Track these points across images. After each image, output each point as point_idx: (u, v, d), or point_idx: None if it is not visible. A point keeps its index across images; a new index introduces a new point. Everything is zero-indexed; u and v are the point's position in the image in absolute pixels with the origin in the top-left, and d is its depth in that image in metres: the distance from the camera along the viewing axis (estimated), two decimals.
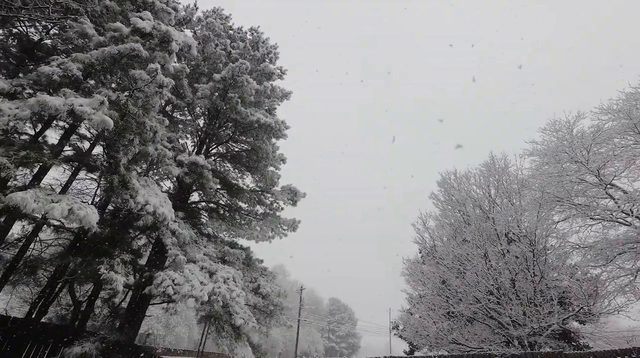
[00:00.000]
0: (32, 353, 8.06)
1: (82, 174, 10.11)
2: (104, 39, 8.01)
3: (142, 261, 10.71)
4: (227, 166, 15.12)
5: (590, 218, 9.77)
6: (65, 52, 9.17)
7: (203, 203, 13.90)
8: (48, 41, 9.35)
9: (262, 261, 13.13)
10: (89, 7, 8.53)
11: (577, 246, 10.04)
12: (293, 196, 13.58)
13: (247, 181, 14.98)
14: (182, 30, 13.06)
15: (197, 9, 13.99)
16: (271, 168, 14.06)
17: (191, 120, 14.39)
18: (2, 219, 7.56)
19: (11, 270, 8.20)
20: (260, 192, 13.76)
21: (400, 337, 18.04)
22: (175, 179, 12.00)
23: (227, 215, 13.88)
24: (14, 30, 8.83)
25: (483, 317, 11.81)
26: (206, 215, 13.75)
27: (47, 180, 8.86)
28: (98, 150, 10.16)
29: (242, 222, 14.04)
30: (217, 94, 12.17)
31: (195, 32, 14.17)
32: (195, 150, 13.69)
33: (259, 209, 13.90)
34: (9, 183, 7.10)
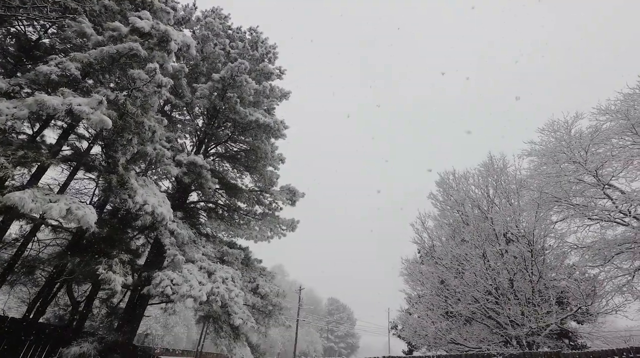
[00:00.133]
0: (30, 354, 8.03)
1: (80, 173, 10.08)
2: (103, 39, 7.99)
3: (141, 261, 10.69)
4: (226, 166, 15.10)
5: (588, 218, 9.81)
6: (63, 51, 9.14)
7: (202, 203, 13.88)
8: (46, 40, 9.32)
9: (260, 261, 13.13)
10: (87, 7, 8.50)
11: (575, 246, 10.07)
12: (292, 196, 13.58)
13: (246, 181, 14.97)
14: (181, 30, 13.03)
15: (196, 8, 13.97)
16: (270, 168, 14.05)
17: (190, 120, 14.37)
18: (0, 219, 7.53)
19: (9, 270, 8.17)
20: (259, 192, 13.75)
21: (399, 336, 18.06)
22: (173, 178, 11.98)
23: (226, 215, 13.87)
24: (12, 29, 8.79)
25: (481, 316, 11.84)
26: (205, 215, 13.73)
27: (45, 179, 8.85)
28: (96, 149, 10.13)
29: (241, 222, 14.03)
30: (216, 93, 12.15)
31: (194, 32, 14.15)
32: (194, 150, 13.67)
33: (258, 209, 13.90)
34: (7, 183, 7.07)
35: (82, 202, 7.10)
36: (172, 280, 8.30)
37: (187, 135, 14.59)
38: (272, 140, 14.05)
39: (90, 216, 6.69)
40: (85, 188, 11.27)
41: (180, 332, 41.28)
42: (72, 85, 7.51)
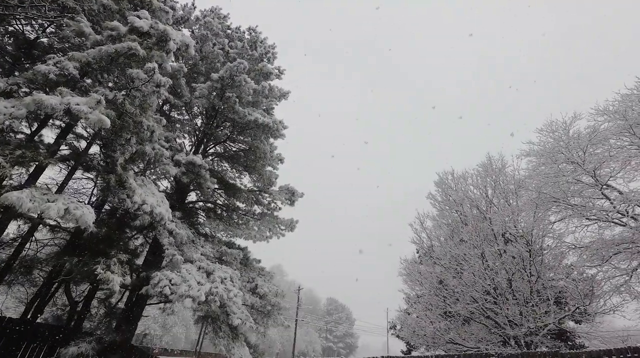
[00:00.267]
0: (28, 354, 8.00)
1: (78, 173, 10.05)
2: (101, 38, 7.97)
3: (139, 261, 10.66)
4: (225, 166, 15.09)
5: (586, 218, 9.84)
6: (61, 50, 9.11)
7: (200, 203, 13.86)
8: (44, 39, 9.28)
9: (259, 261, 13.12)
10: (85, 6, 8.48)
11: (573, 246, 10.10)
12: (291, 196, 13.57)
13: (245, 181, 14.95)
14: (179, 30, 13.02)
15: (195, 8, 13.96)
16: (269, 168, 14.04)
17: (189, 120, 14.35)
18: None
19: (7, 270, 8.14)
20: (258, 192, 13.73)
21: (398, 336, 18.09)
22: (172, 178, 11.95)
23: (225, 215, 13.85)
24: (10, 29, 8.76)
25: (480, 316, 11.86)
26: (203, 214, 13.71)
27: (43, 179, 8.80)
28: (95, 149, 10.10)
29: (240, 221, 14.01)
30: (214, 93, 12.14)
31: (193, 32, 14.13)
32: (193, 150, 13.65)
33: (257, 209, 13.88)
34: (5, 182, 7.04)
35: (81, 202, 7.08)
36: (170, 280, 8.28)
37: (186, 135, 14.57)
38: (271, 140, 14.04)
39: (88, 216, 6.67)
40: (84, 188, 11.25)
41: (179, 332, 41.24)
42: (70, 85, 7.48)
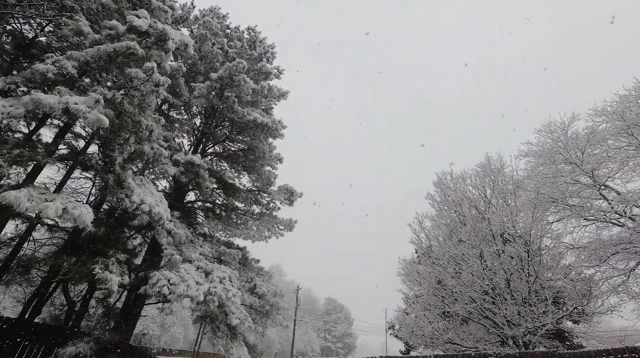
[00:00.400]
0: (26, 354, 7.98)
1: (76, 172, 10.02)
2: (100, 37, 7.95)
3: (138, 261, 10.65)
4: (224, 165, 15.08)
5: (584, 219, 9.86)
6: (60, 49, 9.09)
7: (199, 203, 13.85)
8: (43, 38, 9.25)
9: (258, 261, 13.12)
10: (84, 5, 8.46)
11: (571, 246, 10.13)
12: (290, 196, 13.57)
13: (244, 181, 14.95)
14: (178, 29, 13.00)
15: (194, 7, 13.94)
16: (268, 168, 14.04)
17: (188, 119, 14.33)
18: None
19: (4, 269, 8.11)
20: (256, 192, 13.73)
21: (396, 336, 18.11)
22: (171, 178, 11.93)
23: (224, 214, 13.84)
24: (8, 27, 8.72)
25: (478, 316, 11.88)
26: (202, 214, 13.69)
27: (41, 179, 8.78)
28: (93, 149, 10.07)
29: (239, 221, 14.00)
30: (213, 93, 12.13)
31: (192, 31, 14.11)
32: (192, 150, 13.63)
33: (256, 209, 13.88)
34: (3, 181, 7.02)
35: (79, 202, 7.06)
36: (169, 280, 8.27)
37: (185, 135, 14.55)
38: (270, 139, 14.03)
39: (86, 215, 6.66)
40: (82, 188, 11.22)
41: (177, 332, 41.18)
42: (68, 84, 7.46)
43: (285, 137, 13.72)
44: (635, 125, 8.93)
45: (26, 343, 8.03)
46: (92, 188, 10.84)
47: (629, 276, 9.00)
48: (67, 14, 8.04)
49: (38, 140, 8.40)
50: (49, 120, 8.55)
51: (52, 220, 8.73)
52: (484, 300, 11.53)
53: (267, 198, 13.74)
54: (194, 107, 13.92)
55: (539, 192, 10.69)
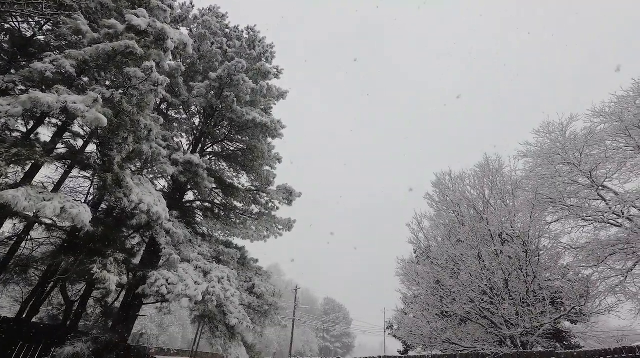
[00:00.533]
0: (23, 353, 7.96)
1: (75, 172, 10.00)
2: (98, 36, 7.93)
3: (136, 260, 10.62)
4: (223, 165, 15.06)
5: (582, 219, 9.89)
6: (58, 48, 9.06)
7: (198, 203, 13.83)
8: (41, 37, 9.22)
9: (257, 260, 13.11)
10: (83, 4, 8.44)
11: (569, 247, 10.16)
12: (289, 196, 13.57)
13: (243, 180, 14.95)
14: (177, 28, 12.98)
15: (193, 6, 13.93)
16: (267, 167, 14.04)
17: (186, 119, 14.31)
18: None
19: (2, 269, 8.08)
20: (255, 192, 13.72)
21: (395, 336, 18.12)
22: (169, 177, 11.92)
23: (222, 214, 13.83)
24: (6, 26, 8.69)
25: (476, 316, 11.91)
26: (201, 214, 13.68)
27: (39, 178, 8.75)
28: (91, 148, 10.04)
29: (237, 221, 13.99)
30: (212, 92, 12.11)
31: (191, 30, 14.09)
32: (191, 149, 13.61)
33: (254, 208, 13.88)
34: (0, 181, 6.99)
35: (77, 201, 7.05)
36: (167, 280, 8.26)
37: (184, 134, 14.53)
38: (269, 139, 14.03)
39: (84, 215, 6.64)
40: (80, 187, 11.19)
41: (176, 331, 41.13)
42: (67, 83, 7.44)
43: (284, 136, 13.72)
44: (633, 126, 8.97)
45: (24, 343, 8.01)
46: (90, 187, 10.81)
47: (626, 276, 9.04)
48: (66, 12, 8.01)
49: (36, 139, 8.38)
50: (47, 119, 8.52)
51: (50, 219, 8.70)
52: (482, 300, 11.56)
53: (265, 198, 13.74)
54: (193, 107, 13.90)
55: (537, 193, 10.72)
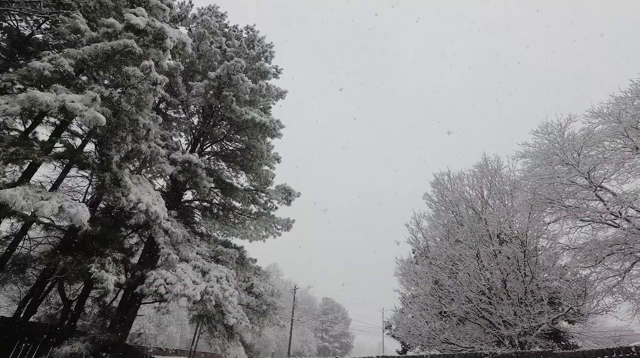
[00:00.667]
0: (21, 353, 7.93)
1: (73, 171, 9.98)
2: (97, 35, 7.91)
3: (134, 260, 10.60)
4: (222, 165, 15.04)
5: (580, 219, 9.92)
6: (56, 47, 9.04)
7: (197, 202, 13.81)
8: (39, 36, 9.19)
9: (255, 260, 13.09)
10: (81, 2, 8.41)
11: (567, 247, 10.19)
12: (287, 195, 13.56)
13: (242, 180, 14.92)
14: (176, 27, 12.95)
15: (192, 5, 13.90)
16: (266, 167, 14.02)
17: (185, 118, 14.28)
18: None
19: None
20: (254, 191, 13.71)
21: (393, 336, 18.13)
22: (168, 177, 11.90)
23: (221, 214, 13.81)
24: (4, 24, 8.66)
25: (475, 316, 11.93)
26: (200, 214, 13.66)
27: (37, 177, 8.73)
28: (90, 147, 10.03)
29: (236, 221, 13.98)
30: (211, 92, 12.09)
31: (190, 30, 14.06)
32: (189, 149, 13.59)
33: (253, 208, 13.86)
34: None
35: (75, 200, 7.04)
36: (165, 279, 8.25)
37: (182, 134, 14.50)
38: (268, 139, 14.02)
39: (82, 214, 6.62)
40: (78, 186, 11.17)
41: (174, 331, 41.05)
42: (65, 82, 7.42)
43: (283, 136, 13.71)
44: (631, 127, 9.00)
45: (21, 342, 7.98)
46: (88, 186, 10.79)
47: (623, 277, 9.07)
48: (64, 11, 7.99)
49: (34, 138, 8.35)
50: (45, 118, 8.50)
51: (48, 218, 8.68)
52: (480, 300, 11.58)
53: (264, 198, 13.73)
54: (192, 106, 13.88)
55: (535, 193, 10.74)
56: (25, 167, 7.59)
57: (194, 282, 8.57)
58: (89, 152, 9.44)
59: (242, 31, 15.19)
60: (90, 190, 10.73)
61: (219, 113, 12.93)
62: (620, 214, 8.99)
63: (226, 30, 14.82)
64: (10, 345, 7.83)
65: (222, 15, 15.01)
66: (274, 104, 15.58)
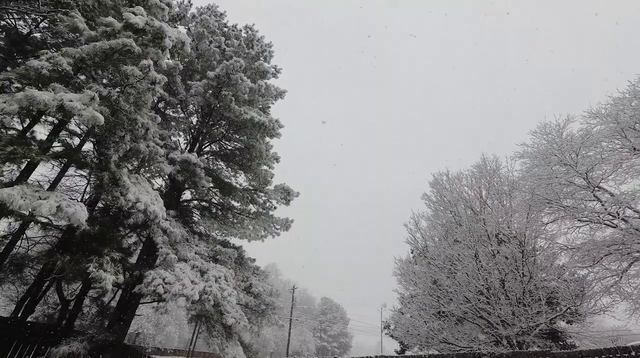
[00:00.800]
0: (18, 353, 7.90)
1: (71, 170, 9.94)
2: (96, 34, 7.88)
3: (132, 259, 10.57)
4: (220, 164, 15.02)
5: (578, 220, 9.96)
6: (55, 46, 9.01)
7: (195, 202, 13.79)
8: (37, 34, 9.16)
9: (254, 260, 13.08)
10: (80, 1, 8.39)
11: (565, 247, 10.22)
12: (286, 195, 13.56)
13: (240, 180, 14.90)
14: (175, 27, 12.92)
15: (191, 5, 13.88)
16: (264, 167, 14.01)
17: (184, 118, 14.26)
18: None
19: None
20: (253, 191, 13.70)
21: (392, 336, 18.16)
22: (167, 176, 11.88)
23: (220, 213, 13.80)
24: (2, 23, 8.63)
25: (473, 316, 11.96)
26: (198, 213, 13.64)
27: (35, 176, 8.69)
28: (88, 146, 10.00)
29: (235, 220, 13.97)
30: (210, 91, 12.07)
31: (189, 29, 14.03)
32: (188, 148, 13.56)
33: (252, 208, 13.85)
34: None
35: (73, 200, 7.02)
36: (164, 279, 8.23)
37: (181, 133, 14.48)
38: (267, 139, 14.00)
39: (80, 213, 6.61)
40: (77, 186, 11.14)
41: (172, 331, 40.99)
42: (63, 81, 7.40)
43: (282, 136, 13.70)
44: (629, 128, 9.03)
45: (19, 342, 7.95)
46: (86, 186, 10.76)
47: (621, 277, 9.11)
48: (63, 10, 7.97)
49: (32, 137, 8.32)
50: (43, 117, 8.46)
51: (46, 218, 8.65)
52: (478, 300, 11.60)
53: (263, 198, 13.72)
54: (191, 106, 13.86)
55: (533, 193, 10.77)
56: (23, 166, 7.56)
57: (192, 281, 8.56)
58: (87, 152, 9.42)
59: (241, 31, 15.16)
60: (88, 189, 10.70)
61: (218, 112, 12.91)
62: (618, 215, 9.03)
63: (225, 29, 14.80)
64: (8, 345, 7.80)
65: (221, 14, 14.99)
66: (273, 103, 15.57)
